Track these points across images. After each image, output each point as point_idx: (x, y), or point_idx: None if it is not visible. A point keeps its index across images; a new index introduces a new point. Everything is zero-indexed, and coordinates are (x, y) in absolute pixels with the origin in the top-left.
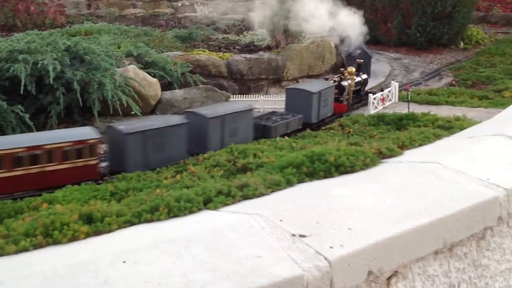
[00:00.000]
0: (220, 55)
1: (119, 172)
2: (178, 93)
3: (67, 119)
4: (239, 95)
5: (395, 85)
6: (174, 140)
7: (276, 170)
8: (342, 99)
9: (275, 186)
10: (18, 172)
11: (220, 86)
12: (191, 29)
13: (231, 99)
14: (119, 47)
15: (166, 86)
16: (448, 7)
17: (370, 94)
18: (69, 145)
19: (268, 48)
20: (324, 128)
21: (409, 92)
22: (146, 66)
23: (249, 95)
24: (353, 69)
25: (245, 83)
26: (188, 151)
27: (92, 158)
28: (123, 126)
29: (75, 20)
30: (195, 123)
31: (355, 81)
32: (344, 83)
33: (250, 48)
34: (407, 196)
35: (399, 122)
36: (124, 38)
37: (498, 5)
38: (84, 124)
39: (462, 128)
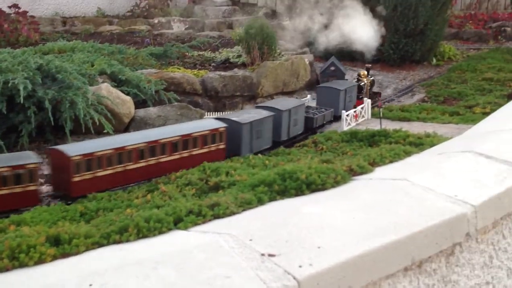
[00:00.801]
0: (195, 72)
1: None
2: (152, 111)
3: (39, 138)
4: (214, 112)
5: (367, 101)
6: (266, 129)
7: (248, 188)
8: (361, 96)
9: (246, 205)
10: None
11: (195, 103)
12: (166, 47)
13: (205, 116)
14: (92, 65)
15: (141, 103)
16: (420, 25)
17: (343, 111)
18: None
19: (244, 65)
20: (297, 145)
21: (381, 109)
22: (120, 84)
23: (224, 112)
24: (365, 72)
25: (220, 100)
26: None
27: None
28: (239, 117)
29: (50, 38)
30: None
31: (369, 81)
32: (362, 83)
33: (226, 65)
34: (376, 213)
35: (372, 139)
36: (98, 56)
37: (470, 21)
38: (56, 143)
39: (432, 145)
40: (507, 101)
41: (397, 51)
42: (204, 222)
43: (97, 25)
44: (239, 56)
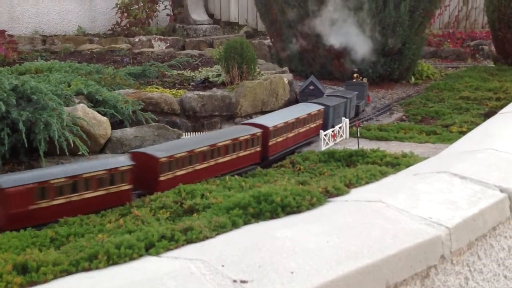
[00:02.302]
0: (174, 92)
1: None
2: (128, 132)
3: (13, 160)
4: (193, 132)
5: (345, 121)
6: (340, 112)
7: (223, 211)
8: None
9: (220, 229)
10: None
11: (173, 123)
12: (144, 66)
13: (183, 137)
14: (69, 86)
15: (118, 124)
16: (398, 44)
17: (321, 131)
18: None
19: (224, 84)
20: (275, 166)
21: (358, 129)
22: (97, 104)
23: (202, 132)
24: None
25: (198, 120)
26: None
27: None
28: (328, 101)
29: (29, 57)
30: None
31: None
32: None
33: (205, 84)
34: (350, 236)
35: (349, 159)
36: (75, 76)
37: (449, 40)
38: (30, 165)
39: (408, 165)
40: (483, 120)
41: (375, 70)
42: (176, 247)
43: (77, 44)
44: (219, 75)
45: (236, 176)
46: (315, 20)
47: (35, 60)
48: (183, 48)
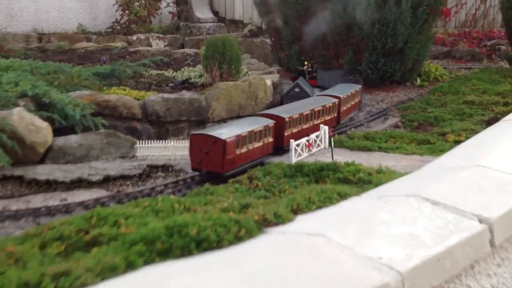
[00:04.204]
0: (142, 94)
1: None
2: (72, 139)
3: None
4: (157, 140)
5: (324, 128)
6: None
7: (126, 246)
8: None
9: (109, 272)
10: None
11: (133, 129)
12: (113, 66)
13: (137, 145)
14: (17, 86)
15: (70, 130)
16: (399, 43)
17: (291, 140)
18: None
19: (205, 85)
20: (232, 181)
21: (331, 138)
22: (44, 107)
23: (167, 139)
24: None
25: (163, 126)
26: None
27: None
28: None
29: (11, 55)
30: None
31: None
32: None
33: (185, 85)
34: (269, 285)
35: (319, 173)
36: (26, 76)
37: (464, 39)
38: None
39: (379, 184)
40: (484, 128)
41: (375, 71)
42: None
43: (74, 42)
44: (202, 75)
45: (171, 196)
46: (312, 17)
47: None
48: (182, 46)
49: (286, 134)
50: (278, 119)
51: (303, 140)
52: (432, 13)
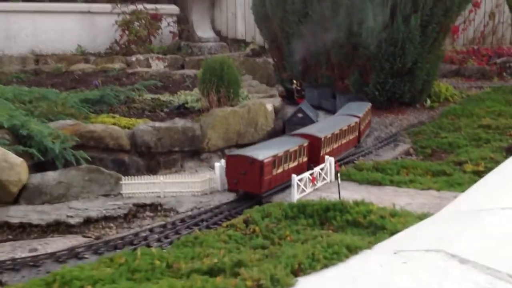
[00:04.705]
0: (132, 122)
1: None
2: (50, 176)
3: None
4: (147, 173)
5: (330, 160)
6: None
7: None
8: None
9: None
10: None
11: (120, 162)
12: (103, 91)
13: (122, 181)
14: None
15: (51, 165)
16: (409, 63)
17: (293, 175)
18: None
19: (202, 111)
20: (225, 225)
21: (338, 174)
22: (22, 140)
23: (158, 172)
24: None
25: (153, 158)
26: None
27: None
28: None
29: (3, 79)
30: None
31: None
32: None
33: (181, 111)
34: None
35: (325, 214)
36: (6, 104)
37: (473, 57)
38: None
39: (394, 231)
40: (506, 157)
41: (383, 93)
42: None
43: (71, 63)
44: (199, 100)
45: (153, 248)
46: (315, 37)
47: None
48: (183, 67)
49: (322, 153)
50: (313, 139)
51: (306, 174)
52: (442, 31)
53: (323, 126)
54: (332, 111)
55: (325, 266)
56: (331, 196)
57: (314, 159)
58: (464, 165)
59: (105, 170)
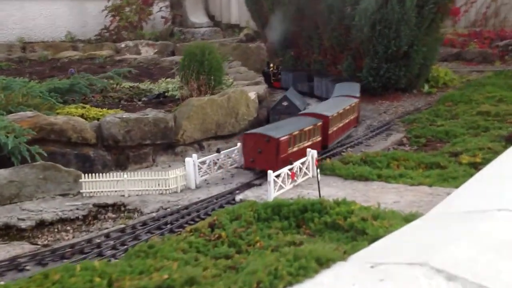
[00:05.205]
0: (103, 113)
1: None
2: (0, 175)
3: None
4: (114, 168)
5: (312, 153)
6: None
7: None
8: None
9: None
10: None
11: (85, 157)
12: (73, 80)
13: (82, 179)
14: None
15: (9, 160)
16: (404, 47)
17: (269, 172)
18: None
19: (182, 99)
20: (188, 230)
21: (318, 170)
22: None
23: (127, 168)
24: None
25: (122, 152)
26: None
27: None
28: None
29: None
30: None
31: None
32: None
33: (160, 99)
34: None
35: (302, 216)
36: None
37: (475, 40)
38: None
39: (375, 236)
40: (505, 147)
41: (377, 78)
42: None
43: (59, 51)
44: (181, 87)
45: (96, 262)
46: (306, 18)
47: None
48: (173, 53)
49: (330, 132)
50: (322, 118)
51: (284, 170)
52: (439, 12)
53: (327, 107)
54: (309, 94)
55: (289, 284)
56: (312, 193)
57: (323, 139)
58: (460, 156)
59: (62, 167)
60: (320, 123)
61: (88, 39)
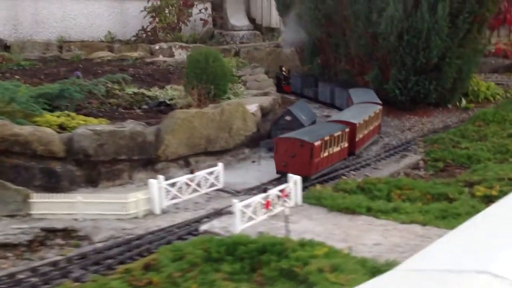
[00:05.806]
0: (87, 121)
1: None
2: None
3: None
4: (83, 185)
5: (294, 179)
6: None
7: None
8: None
9: None
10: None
11: (51, 172)
12: (62, 85)
13: (32, 199)
14: None
15: None
16: (434, 58)
17: (234, 201)
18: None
19: (186, 108)
20: (120, 271)
21: (285, 210)
22: None
23: (98, 185)
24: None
25: (94, 167)
26: None
27: None
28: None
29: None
30: None
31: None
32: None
33: (160, 108)
34: None
35: (258, 258)
36: None
37: None
38: None
39: None
40: None
41: (405, 92)
42: None
43: (94, 51)
44: (186, 96)
45: None
46: (335, 24)
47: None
48: None
49: (357, 139)
50: (349, 125)
51: (256, 198)
52: (476, 22)
53: (352, 113)
54: (314, 99)
55: None
56: (292, 227)
57: (350, 145)
58: (475, 187)
59: (11, 184)
60: (347, 130)
61: (128, 39)
